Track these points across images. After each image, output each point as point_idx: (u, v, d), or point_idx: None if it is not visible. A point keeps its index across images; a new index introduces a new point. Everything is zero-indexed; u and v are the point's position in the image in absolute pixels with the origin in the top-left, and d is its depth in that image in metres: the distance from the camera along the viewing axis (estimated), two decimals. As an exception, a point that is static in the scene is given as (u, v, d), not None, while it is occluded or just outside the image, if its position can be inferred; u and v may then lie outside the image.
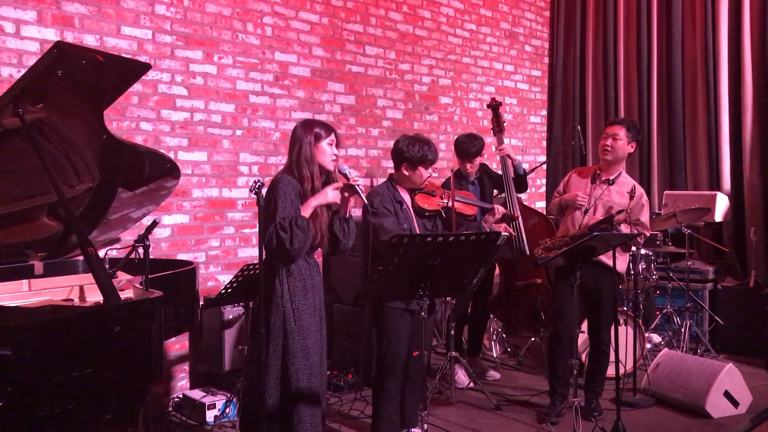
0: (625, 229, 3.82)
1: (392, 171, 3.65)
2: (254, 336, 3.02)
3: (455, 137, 4.80)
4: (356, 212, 5.30)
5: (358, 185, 3.00)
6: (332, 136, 3.04)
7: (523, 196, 6.62)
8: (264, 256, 2.80)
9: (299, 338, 2.94)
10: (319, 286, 3.09)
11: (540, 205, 6.98)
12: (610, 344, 4.00)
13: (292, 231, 2.80)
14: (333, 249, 3.16)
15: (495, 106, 4.99)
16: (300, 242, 2.83)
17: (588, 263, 3.76)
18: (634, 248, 4.65)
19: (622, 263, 4.02)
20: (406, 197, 3.54)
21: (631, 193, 3.81)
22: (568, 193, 4.13)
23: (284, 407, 2.93)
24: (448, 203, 3.58)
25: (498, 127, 4.94)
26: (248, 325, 3.80)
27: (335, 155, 3.05)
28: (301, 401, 2.94)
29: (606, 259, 3.83)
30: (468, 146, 4.57)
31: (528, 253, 4.78)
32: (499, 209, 3.83)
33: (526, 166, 5.42)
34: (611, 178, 3.98)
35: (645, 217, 3.97)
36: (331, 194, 2.94)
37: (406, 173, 3.49)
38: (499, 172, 4.83)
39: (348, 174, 3.03)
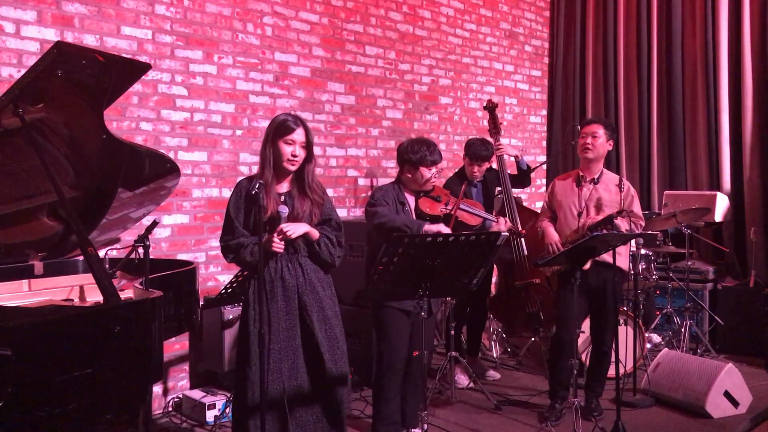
0: (622, 222, 3.83)
1: (392, 171, 3.66)
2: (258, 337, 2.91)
3: (467, 139, 4.78)
4: (356, 212, 5.33)
5: (288, 234, 2.81)
6: (294, 135, 2.86)
7: (523, 195, 6.64)
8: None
9: (261, 342, 2.77)
10: (302, 288, 2.92)
11: (540, 205, 6.98)
12: (612, 345, 3.99)
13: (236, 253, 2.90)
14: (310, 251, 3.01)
15: (491, 108, 5.00)
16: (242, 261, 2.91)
17: (593, 264, 3.77)
18: (634, 248, 4.65)
19: (624, 260, 4.03)
20: (410, 199, 3.55)
21: (620, 186, 3.85)
22: (555, 202, 4.13)
23: (247, 413, 2.86)
24: (451, 211, 3.57)
25: (495, 128, 4.95)
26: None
27: (294, 156, 2.87)
28: (260, 409, 2.78)
29: (611, 258, 3.82)
30: (480, 149, 4.54)
31: (526, 253, 4.79)
32: (507, 223, 3.83)
33: (529, 158, 5.43)
34: (595, 177, 4.00)
35: (637, 208, 4.00)
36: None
37: (409, 175, 3.51)
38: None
39: (281, 217, 2.83)
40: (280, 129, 2.88)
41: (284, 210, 2.83)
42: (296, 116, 2.95)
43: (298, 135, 2.88)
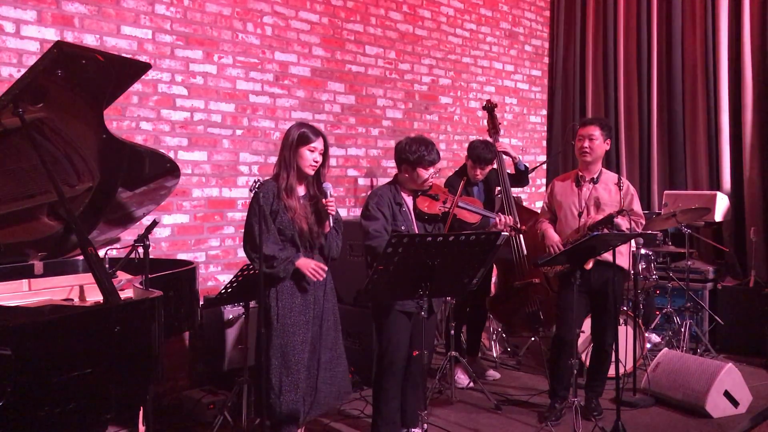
0: (622, 221, 3.83)
1: (392, 170, 3.66)
2: (257, 336, 3.18)
3: (470, 141, 4.77)
4: (356, 212, 5.33)
5: (330, 208, 3.17)
6: (316, 143, 3.16)
7: (523, 195, 6.65)
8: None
9: (283, 335, 3.12)
10: (319, 284, 3.22)
11: (540, 205, 6.98)
12: (613, 344, 3.99)
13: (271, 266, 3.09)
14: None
15: (490, 108, 4.99)
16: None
17: (596, 263, 3.76)
18: (634, 248, 4.65)
19: (625, 259, 4.03)
20: (408, 199, 3.53)
21: (619, 185, 3.86)
22: (554, 202, 4.13)
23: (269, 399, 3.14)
24: (449, 209, 3.56)
25: (494, 128, 4.95)
26: (247, 325, 3.87)
27: (315, 162, 3.17)
28: (282, 395, 3.12)
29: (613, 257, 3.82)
30: (484, 152, 4.49)
31: (526, 253, 4.78)
32: (507, 220, 3.81)
33: (529, 158, 5.42)
34: (594, 176, 4.01)
35: (637, 206, 4.01)
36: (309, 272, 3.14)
37: (406, 175, 3.49)
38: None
39: (327, 192, 3.19)
40: (302, 138, 3.16)
41: (329, 185, 3.21)
42: (314, 127, 3.26)
43: (319, 144, 3.19)
